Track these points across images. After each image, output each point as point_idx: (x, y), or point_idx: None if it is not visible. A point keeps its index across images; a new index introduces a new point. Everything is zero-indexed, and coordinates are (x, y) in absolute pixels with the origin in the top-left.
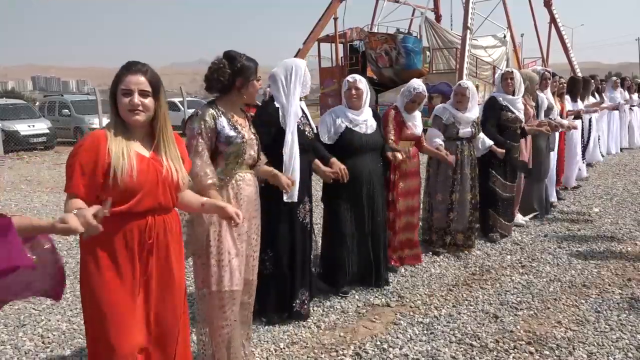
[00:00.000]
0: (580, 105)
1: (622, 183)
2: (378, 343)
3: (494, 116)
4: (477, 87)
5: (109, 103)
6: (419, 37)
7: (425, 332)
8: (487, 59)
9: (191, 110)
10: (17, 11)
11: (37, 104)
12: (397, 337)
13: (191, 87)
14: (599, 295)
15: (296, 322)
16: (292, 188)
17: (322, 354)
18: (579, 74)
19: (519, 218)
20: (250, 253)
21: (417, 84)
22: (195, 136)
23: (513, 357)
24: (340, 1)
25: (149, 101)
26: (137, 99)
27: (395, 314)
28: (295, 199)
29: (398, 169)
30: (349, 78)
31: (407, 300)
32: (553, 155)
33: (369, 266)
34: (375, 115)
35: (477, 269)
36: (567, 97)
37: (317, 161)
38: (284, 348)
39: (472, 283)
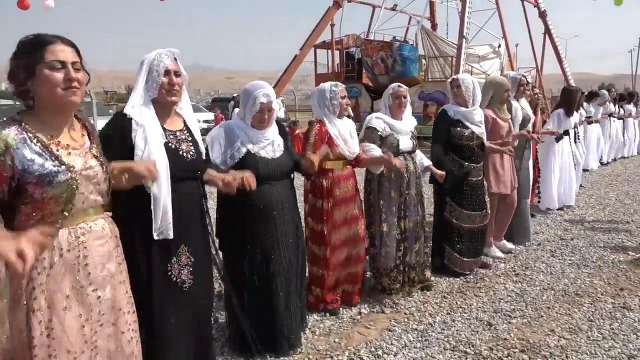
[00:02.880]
0: (571, 120)
1: (615, 193)
2: (373, 349)
3: (442, 133)
4: None
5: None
6: (415, 45)
7: (420, 338)
8: (483, 67)
9: None
10: (7, 10)
11: None
12: (392, 344)
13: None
14: (591, 304)
15: None
16: (155, 175)
17: (316, 359)
18: (573, 84)
19: (495, 250)
20: (120, 338)
21: (330, 85)
22: None
23: None
24: (337, 8)
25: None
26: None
27: (390, 321)
28: (170, 234)
29: (331, 196)
30: (262, 98)
31: (402, 307)
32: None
33: (272, 328)
34: (282, 132)
35: (472, 277)
36: (561, 112)
37: (210, 170)
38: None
39: (466, 291)
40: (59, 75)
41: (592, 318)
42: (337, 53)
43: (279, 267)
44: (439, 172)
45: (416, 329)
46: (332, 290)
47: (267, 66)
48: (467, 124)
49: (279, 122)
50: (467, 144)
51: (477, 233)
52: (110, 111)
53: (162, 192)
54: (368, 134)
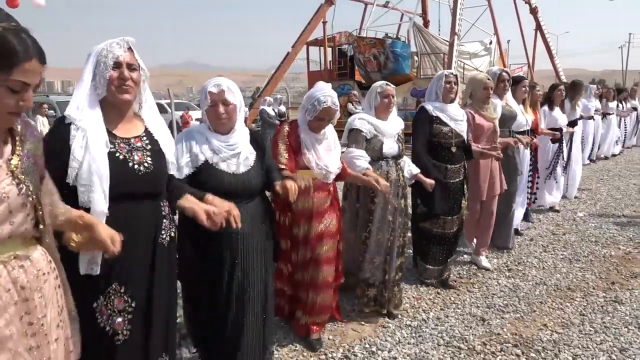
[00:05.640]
0: (559, 115)
1: (606, 188)
2: (367, 346)
3: (424, 132)
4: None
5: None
6: (407, 42)
7: (414, 335)
8: (474, 64)
9: (179, 113)
10: None
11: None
12: (386, 340)
13: (178, 88)
14: (583, 298)
15: (284, 325)
16: (115, 252)
17: (310, 356)
18: (564, 80)
19: (483, 260)
20: None
21: (324, 94)
22: None
23: None
24: (329, 5)
25: None
26: None
27: (384, 317)
28: (96, 270)
29: (289, 209)
30: (211, 88)
31: None
32: (522, 179)
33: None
34: (254, 141)
35: (465, 273)
36: (545, 109)
37: (188, 196)
38: (272, 351)
39: (459, 286)
40: (12, 102)
41: (584, 312)
42: (329, 50)
43: (243, 297)
44: (428, 180)
45: (410, 325)
46: (312, 315)
47: (259, 64)
48: (446, 120)
49: (253, 131)
50: (445, 142)
51: (447, 239)
52: None
53: (95, 213)
54: (353, 137)
